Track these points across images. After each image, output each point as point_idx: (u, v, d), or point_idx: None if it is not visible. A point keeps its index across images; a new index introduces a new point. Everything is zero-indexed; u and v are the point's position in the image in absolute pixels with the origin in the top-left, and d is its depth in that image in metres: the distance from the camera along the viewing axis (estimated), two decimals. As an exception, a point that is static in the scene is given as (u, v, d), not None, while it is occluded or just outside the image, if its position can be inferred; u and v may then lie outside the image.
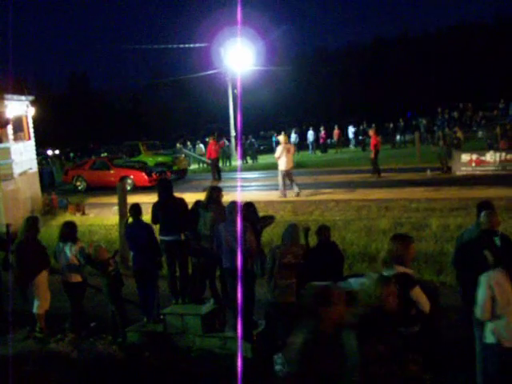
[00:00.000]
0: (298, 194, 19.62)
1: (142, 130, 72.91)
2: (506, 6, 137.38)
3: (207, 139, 45.96)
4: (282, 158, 19.62)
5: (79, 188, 27.22)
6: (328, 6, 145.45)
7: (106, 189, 24.56)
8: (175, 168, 29.71)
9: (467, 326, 6.41)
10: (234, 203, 8.15)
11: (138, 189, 24.58)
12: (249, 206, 8.63)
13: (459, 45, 68.83)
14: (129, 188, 23.02)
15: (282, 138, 20.47)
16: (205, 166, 34.69)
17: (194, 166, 38.73)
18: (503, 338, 5.48)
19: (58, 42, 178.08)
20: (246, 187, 20.03)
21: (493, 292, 5.40)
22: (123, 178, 24.31)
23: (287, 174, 19.83)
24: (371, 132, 25.17)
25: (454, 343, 7.18)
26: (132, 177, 25.63)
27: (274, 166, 30.52)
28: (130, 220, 9.43)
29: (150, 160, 30.17)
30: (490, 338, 5.57)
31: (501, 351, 5.52)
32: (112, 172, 26.33)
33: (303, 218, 15.58)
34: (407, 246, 5.86)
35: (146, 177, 25.46)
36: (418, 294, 5.66)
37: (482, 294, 5.48)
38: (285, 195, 19.64)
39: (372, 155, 23.92)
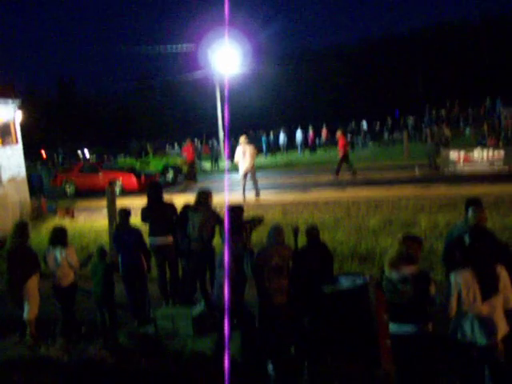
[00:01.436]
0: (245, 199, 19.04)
1: (130, 132, 72.75)
2: (491, 4, 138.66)
3: (195, 141, 46.03)
4: (240, 160, 19.36)
5: (68, 192, 27.08)
6: (313, 6, 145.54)
7: (95, 193, 24.50)
8: (184, 169, 29.32)
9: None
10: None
11: (127, 192, 24.51)
12: (236, 209, 8.65)
13: (445, 43, 69.03)
14: (118, 191, 22.97)
15: (241, 139, 20.02)
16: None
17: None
18: (467, 334, 5.59)
19: (46, 46, 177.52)
20: (234, 188, 20.02)
21: (460, 290, 5.50)
22: (112, 182, 24.24)
23: (244, 176, 19.45)
24: (339, 133, 25.25)
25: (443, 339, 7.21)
26: (121, 180, 25.55)
27: (262, 167, 30.65)
28: (119, 223, 9.43)
29: (159, 162, 29.79)
30: (455, 334, 5.68)
31: (465, 347, 5.64)
32: (101, 176, 26.22)
33: (293, 218, 15.59)
34: (419, 247, 5.93)
35: (135, 180, 25.38)
36: (433, 290, 5.77)
37: (449, 291, 5.58)
38: (244, 198, 19.12)
39: (340, 155, 24.05)
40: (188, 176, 27.65)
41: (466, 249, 5.73)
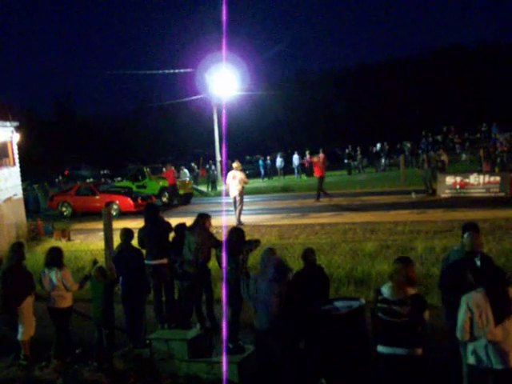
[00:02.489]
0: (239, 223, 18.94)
1: (128, 155, 72.90)
2: (488, 31, 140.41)
3: (192, 164, 46.11)
4: (230, 184, 19.43)
5: (65, 214, 27.01)
6: (311, 31, 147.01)
7: (91, 214, 24.49)
8: (181, 192, 29.47)
9: (453, 347, 6.43)
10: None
11: (123, 214, 24.50)
12: (237, 232, 8.66)
13: (441, 69, 69.63)
14: (114, 213, 22.97)
15: (234, 164, 20.02)
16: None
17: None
18: (482, 358, 5.51)
19: (44, 68, 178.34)
20: (231, 211, 20.02)
21: (472, 313, 5.44)
22: (109, 204, 24.23)
23: (234, 201, 19.49)
24: (318, 157, 26.32)
25: (441, 365, 7.18)
26: (117, 202, 25.53)
27: (259, 191, 30.66)
28: (121, 244, 9.39)
29: (155, 184, 29.94)
30: (470, 359, 5.60)
31: (481, 372, 5.55)
32: (97, 197, 26.18)
33: (289, 241, 15.59)
34: (412, 268, 5.94)
35: (131, 202, 25.36)
36: (427, 315, 5.76)
37: (461, 314, 5.52)
38: (239, 222, 19.07)
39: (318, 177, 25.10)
40: (170, 199, 28.70)
41: (479, 271, 5.71)
